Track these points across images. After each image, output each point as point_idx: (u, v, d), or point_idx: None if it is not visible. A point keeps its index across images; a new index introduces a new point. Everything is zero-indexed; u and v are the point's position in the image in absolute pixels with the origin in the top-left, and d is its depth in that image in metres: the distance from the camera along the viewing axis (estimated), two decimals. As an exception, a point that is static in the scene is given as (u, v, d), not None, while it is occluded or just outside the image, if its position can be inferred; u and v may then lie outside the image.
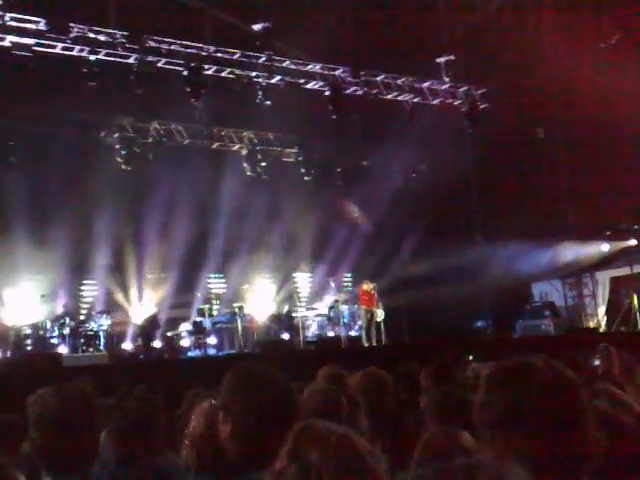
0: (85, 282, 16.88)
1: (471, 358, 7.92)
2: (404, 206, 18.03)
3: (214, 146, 18.38)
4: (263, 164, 18.17)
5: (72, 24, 13.63)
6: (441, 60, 15.79)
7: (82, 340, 13.81)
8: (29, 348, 13.85)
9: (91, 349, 13.77)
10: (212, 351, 15.05)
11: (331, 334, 16.56)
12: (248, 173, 18.04)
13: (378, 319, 15.17)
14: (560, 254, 20.14)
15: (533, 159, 18.52)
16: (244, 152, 18.32)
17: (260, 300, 18.72)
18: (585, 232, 19.42)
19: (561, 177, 19.62)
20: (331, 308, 17.51)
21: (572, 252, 20.16)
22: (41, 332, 13.89)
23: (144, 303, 16.32)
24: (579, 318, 20.77)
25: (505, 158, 18.00)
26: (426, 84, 17.01)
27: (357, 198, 19.63)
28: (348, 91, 16.65)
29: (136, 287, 17.04)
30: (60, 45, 13.48)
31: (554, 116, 18.30)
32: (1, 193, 14.69)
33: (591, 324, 20.42)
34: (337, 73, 16.53)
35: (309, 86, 16.43)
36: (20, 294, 15.42)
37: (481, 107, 17.13)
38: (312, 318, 17.68)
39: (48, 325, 13.96)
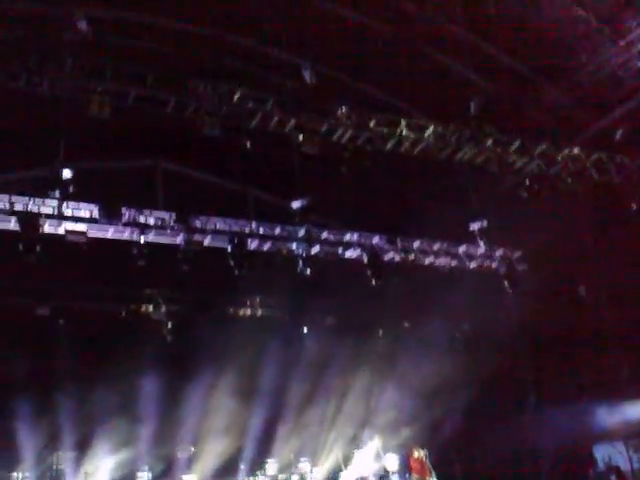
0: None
1: None
2: (450, 368, 17.79)
3: (258, 314, 18.80)
4: (305, 330, 18.40)
5: (124, 209, 14.57)
6: (474, 226, 16.22)
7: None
8: None
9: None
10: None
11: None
12: (291, 340, 18.25)
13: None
14: (621, 413, 19.22)
15: (577, 316, 18.31)
16: (285, 318, 18.67)
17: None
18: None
19: (612, 331, 19.19)
20: (381, 478, 16.84)
21: (634, 411, 19.21)
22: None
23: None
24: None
25: (550, 316, 17.85)
26: (462, 248, 17.38)
27: (402, 361, 19.48)
28: (386, 258, 17.06)
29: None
30: (112, 229, 14.36)
31: (595, 273, 18.30)
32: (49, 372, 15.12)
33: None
34: (374, 241, 17.04)
35: (347, 254, 16.91)
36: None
37: (519, 269, 17.30)
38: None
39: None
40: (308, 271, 16.38)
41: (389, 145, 16.43)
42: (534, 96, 18.15)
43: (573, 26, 17.19)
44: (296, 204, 15.79)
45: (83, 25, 12.64)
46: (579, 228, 17.73)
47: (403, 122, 16.43)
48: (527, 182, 16.55)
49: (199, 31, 17.49)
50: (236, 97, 14.91)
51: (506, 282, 17.14)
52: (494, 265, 17.59)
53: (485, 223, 16.11)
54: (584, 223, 18.06)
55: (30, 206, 13.25)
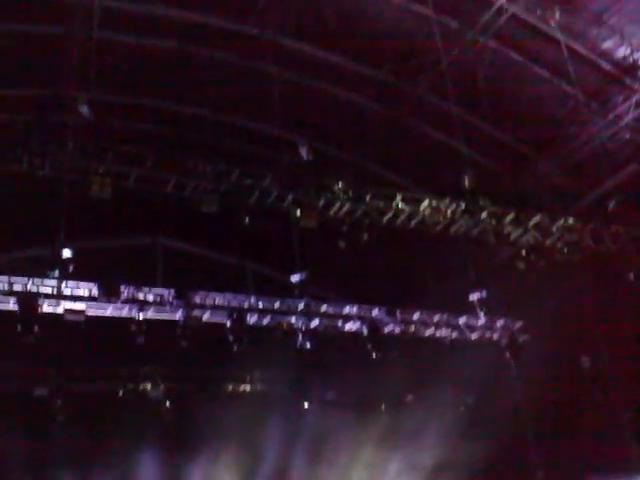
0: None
1: None
2: (453, 444, 17.47)
3: (258, 389, 18.60)
4: (305, 405, 18.16)
5: (123, 286, 14.63)
6: (473, 297, 16.23)
7: None
8: None
9: None
10: None
11: None
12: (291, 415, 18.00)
13: None
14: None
15: (583, 391, 18.07)
16: (286, 393, 18.46)
17: None
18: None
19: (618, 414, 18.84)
20: None
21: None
22: None
23: None
24: None
25: (554, 389, 17.65)
26: (462, 320, 17.34)
27: (405, 435, 19.15)
28: (386, 330, 17.00)
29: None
30: (111, 307, 14.38)
31: (597, 343, 18.19)
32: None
33: None
34: (374, 313, 17.03)
35: (347, 327, 16.87)
36: None
37: (521, 339, 17.22)
38: None
39: None
40: (308, 345, 16.30)
41: (385, 218, 16.62)
42: (527, 168, 18.51)
43: (562, 101, 17.73)
44: (295, 278, 15.85)
45: (85, 109, 13.00)
46: (579, 298, 17.74)
47: (399, 196, 16.67)
48: (523, 253, 16.64)
49: (197, 112, 18.06)
50: (234, 175, 15.18)
51: (508, 353, 17.03)
52: (495, 336, 17.51)
53: (484, 294, 16.11)
54: (584, 292, 18.08)
55: (29, 286, 13.31)
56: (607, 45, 17.06)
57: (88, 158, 13.02)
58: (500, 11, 16.33)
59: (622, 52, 17.11)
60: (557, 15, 16.08)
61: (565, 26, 16.33)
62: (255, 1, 15.91)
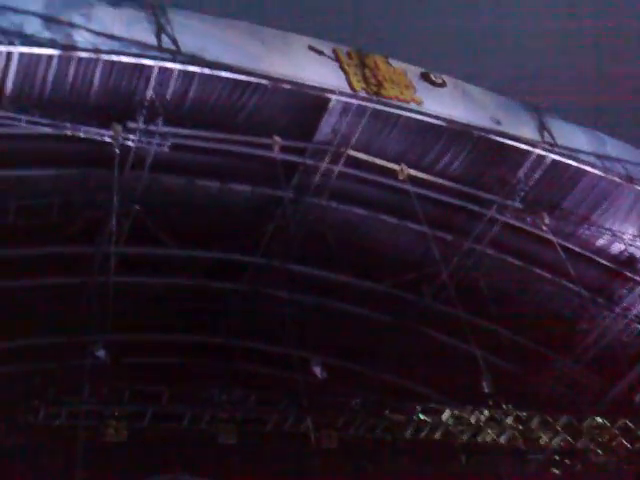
0: None
1: None
2: None
3: None
4: None
5: None
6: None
7: None
8: None
9: None
10: None
11: None
12: None
13: None
14: None
15: None
16: None
17: None
18: None
19: None
20: None
21: None
22: None
23: None
24: None
25: None
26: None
27: None
28: None
29: None
30: None
31: None
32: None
33: None
34: None
35: None
36: None
37: None
38: None
39: None
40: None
41: (408, 432, 16.10)
42: (544, 368, 18.30)
43: (567, 298, 17.98)
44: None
45: (102, 353, 13.20)
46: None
47: (418, 408, 16.30)
48: (557, 458, 15.92)
49: (210, 340, 18.31)
50: (250, 402, 14.99)
51: None
52: None
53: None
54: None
55: None
56: (601, 243, 17.69)
57: (104, 402, 12.96)
58: (492, 221, 17.20)
59: (617, 248, 17.71)
60: (546, 220, 16.89)
61: (556, 229, 17.05)
62: (262, 234, 16.74)
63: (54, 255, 14.98)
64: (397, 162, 15.97)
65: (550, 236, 16.82)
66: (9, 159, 13.33)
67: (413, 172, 16.11)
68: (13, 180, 13.91)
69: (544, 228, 16.94)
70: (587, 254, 17.69)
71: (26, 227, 14.12)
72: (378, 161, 15.99)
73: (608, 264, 17.74)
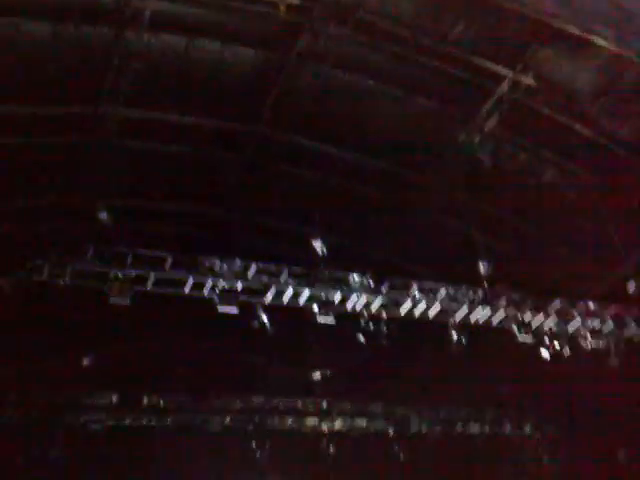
0: None
1: None
2: None
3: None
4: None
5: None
6: (502, 391, 15.84)
7: None
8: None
9: None
10: None
11: None
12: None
13: None
14: None
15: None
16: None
17: None
18: None
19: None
20: None
21: None
22: None
23: None
24: None
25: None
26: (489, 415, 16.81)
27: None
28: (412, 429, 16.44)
29: None
30: (131, 417, 13.93)
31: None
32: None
33: None
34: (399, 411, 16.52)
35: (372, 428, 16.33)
36: None
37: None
38: None
39: None
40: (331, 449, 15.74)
41: (403, 310, 16.34)
42: (541, 254, 18.39)
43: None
44: (316, 375, 15.48)
45: (104, 215, 13.02)
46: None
47: (415, 285, 16.44)
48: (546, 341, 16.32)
49: (210, 211, 18.12)
50: (250, 273, 15.00)
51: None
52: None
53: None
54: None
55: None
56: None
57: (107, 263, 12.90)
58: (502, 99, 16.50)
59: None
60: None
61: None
62: (264, 102, 16.12)
63: (53, 115, 14.40)
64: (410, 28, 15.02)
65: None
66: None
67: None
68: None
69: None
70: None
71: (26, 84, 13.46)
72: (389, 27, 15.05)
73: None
